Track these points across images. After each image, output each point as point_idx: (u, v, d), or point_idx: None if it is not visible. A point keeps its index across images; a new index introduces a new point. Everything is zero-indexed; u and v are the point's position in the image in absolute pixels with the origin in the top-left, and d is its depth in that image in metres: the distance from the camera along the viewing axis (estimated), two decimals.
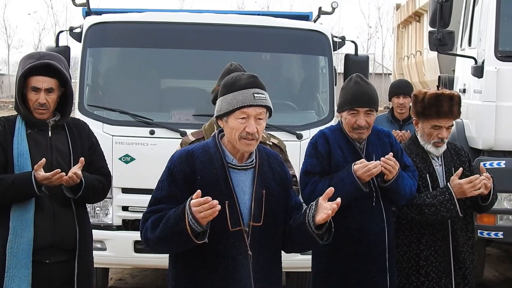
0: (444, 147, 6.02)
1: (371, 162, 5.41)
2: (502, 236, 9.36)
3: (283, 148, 6.08)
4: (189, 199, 4.15)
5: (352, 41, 10.08)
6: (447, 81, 11.15)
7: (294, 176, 5.67)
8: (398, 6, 18.43)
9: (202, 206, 4.05)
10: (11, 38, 70.04)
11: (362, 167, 5.36)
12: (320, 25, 10.03)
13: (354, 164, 5.42)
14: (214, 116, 4.61)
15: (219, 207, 4.08)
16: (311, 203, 4.49)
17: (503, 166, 8.09)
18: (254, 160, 4.57)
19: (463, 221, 6.01)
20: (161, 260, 5.02)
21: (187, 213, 4.10)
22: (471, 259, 6.20)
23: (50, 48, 9.17)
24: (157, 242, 4.43)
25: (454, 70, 11.05)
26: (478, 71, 9.79)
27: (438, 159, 6.04)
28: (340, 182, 5.33)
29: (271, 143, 5.86)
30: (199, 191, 4.10)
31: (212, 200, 4.07)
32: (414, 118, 6.21)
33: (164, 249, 4.62)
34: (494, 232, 9.33)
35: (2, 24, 79.49)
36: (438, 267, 5.87)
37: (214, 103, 4.92)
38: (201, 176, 4.43)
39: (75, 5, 10.22)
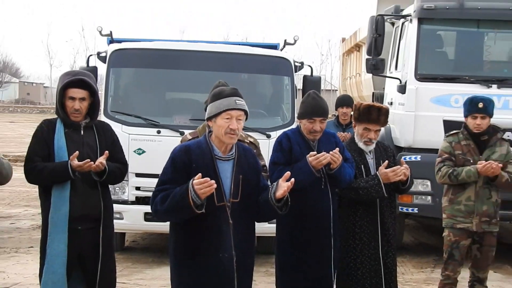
0: (373, 146, 6.11)
1: (322, 153, 5.50)
2: (417, 211, 9.63)
3: (257, 145, 6.14)
4: (191, 180, 4.29)
5: (309, 65, 10.19)
6: (379, 96, 11.27)
7: (265, 165, 5.74)
8: (343, 39, 18.47)
9: (202, 184, 4.20)
10: (53, 60, 69.68)
11: (315, 159, 5.46)
12: (285, 53, 10.09)
13: (309, 156, 5.51)
14: (205, 118, 4.72)
15: (215, 185, 4.25)
16: (273, 183, 4.69)
17: (419, 159, 8.19)
18: (234, 153, 4.67)
19: (388, 200, 6.08)
20: (164, 227, 5.04)
21: (190, 190, 4.26)
22: (394, 228, 6.27)
23: (82, 67, 9.20)
24: (165, 213, 4.55)
25: (384, 88, 11.14)
26: (402, 89, 9.97)
27: (370, 154, 6.11)
28: (299, 170, 5.42)
29: (248, 141, 5.91)
30: (200, 174, 4.27)
31: (205, 179, 4.25)
32: (354, 123, 6.30)
33: (170, 218, 4.71)
34: (411, 208, 9.56)
35: (46, 49, 79.36)
36: (369, 233, 5.95)
37: (206, 110, 5.00)
38: (195, 165, 4.53)
39: (102, 35, 10.26)
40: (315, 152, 5.57)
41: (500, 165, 6.51)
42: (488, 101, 6.72)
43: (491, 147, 6.73)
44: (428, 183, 8.07)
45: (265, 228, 5.67)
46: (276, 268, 5.91)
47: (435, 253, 7.00)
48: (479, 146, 6.71)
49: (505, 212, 7.09)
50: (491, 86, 9.63)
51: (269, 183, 5.14)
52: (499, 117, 9.15)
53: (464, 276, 6.88)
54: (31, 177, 5.60)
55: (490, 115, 6.69)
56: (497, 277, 8.89)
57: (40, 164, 5.50)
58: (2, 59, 68.34)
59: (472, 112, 6.66)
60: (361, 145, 6.09)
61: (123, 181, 6.80)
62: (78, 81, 5.58)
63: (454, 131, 6.93)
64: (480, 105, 6.63)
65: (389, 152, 6.37)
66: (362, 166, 6.02)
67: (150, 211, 4.93)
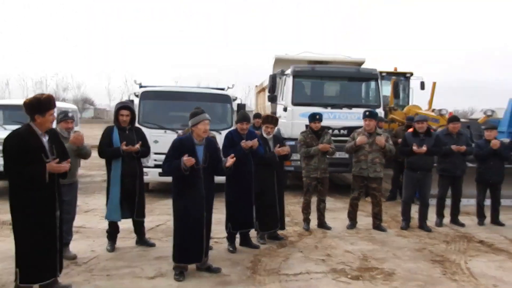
0: (271, 136, 6.07)
1: (248, 141, 5.48)
2: (293, 169, 9.62)
3: (216, 137, 5.99)
4: (182, 157, 4.35)
5: (240, 98, 10.15)
6: (274, 113, 11.22)
7: (219, 148, 5.63)
8: (256, 86, 18.36)
9: (187, 160, 4.32)
10: (111, 96, 67.76)
11: (245, 144, 5.45)
12: (228, 92, 9.97)
13: (242, 142, 5.48)
14: (190, 125, 4.66)
15: (194, 160, 4.35)
16: (224, 159, 4.78)
17: (293, 143, 8.18)
18: (204, 141, 4.65)
19: (279, 163, 6.05)
20: (169, 179, 4.94)
21: (182, 162, 4.32)
22: (284, 177, 6.37)
23: (126, 100, 9.01)
24: (169, 172, 4.55)
25: (276, 110, 11.10)
26: (285, 110, 9.99)
27: (270, 140, 6.05)
28: (237, 149, 5.36)
29: (211, 135, 5.75)
30: (186, 154, 4.35)
31: (189, 157, 4.35)
32: (262, 125, 6.26)
33: (172, 175, 4.64)
34: (290, 167, 9.54)
35: (107, 91, 77.80)
36: (270, 181, 5.90)
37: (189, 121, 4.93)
38: (184, 147, 4.51)
39: (136, 83, 10.04)
40: (244, 140, 5.53)
41: (329, 144, 6.69)
42: (320, 114, 6.87)
43: (323, 136, 6.81)
44: (298, 155, 8.10)
45: (220, 179, 5.58)
46: (226, 199, 5.79)
47: (301, 189, 7.12)
48: (317, 136, 6.79)
49: (331, 168, 7.17)
50: (327, 108, 9.75)
51: (222, 157, 5.07)
52: (331, 122, 9.44)
53: (314, 200, 6.95)
54: (101, 155, 5.48)
55: (321, 121, 6.81)
56: (331, 200, 9.00)
57: (106, 148, 5.41)
58: (84, 96, 66.61)
59: (314, 120, 6.77)
60: (265, 135, 6.05)
61: (148, 156, 6.68)
62: (125, 106, 5.54)
63: (304, 130, 7.06)
64: (317, 116, 6.78)
65: (280, 140, 6.30)
66: (267, 146, 5.96)
67: (161, 171, 4.94)
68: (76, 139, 5.03)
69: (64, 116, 5.20)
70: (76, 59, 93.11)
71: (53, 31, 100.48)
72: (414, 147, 6.77)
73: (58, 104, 8.45)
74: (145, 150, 5.61)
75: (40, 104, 3.82)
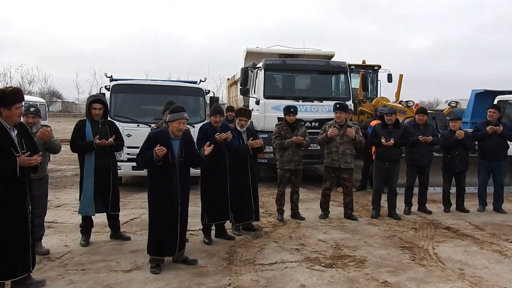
0: (244, 129, 6.04)
1: (221, 134, 5.45)
2: (266, 161, 9.63)
3: (189, 130, 5.95)
4: (154, 149, 4.30)
5: (212, 91, 10.08)
6: (247, 106, 11.21)
7: (193, 141, 5.60)
8: (228, 79, 18.29)
9: (159, 149, 4.28)
10: (79, 89, 65.95)
11: (219, 136, 5.42)
12: (201, 85, 9.93)
13: (216, 135, 5.45)
14: (166, 120, 4.69)
15: (165, 150, 4.30)
16: (201, 148, 4.78)
17: (266, 136, 8.26)
18: (180, 136, 4.60)
19: (253, 156, 6.05)
20: (142, 173, 4.95)
21: (154, 153, 4.27)
22: (257, 170, 6.37)
23: (97, 93, 8.85)
24: (142, 165, 4.50)
25: (249, 102, 11.11)
26: (257, 102, 9.99)
27: (244, 133, 6.00)
28: (213, 141, 5.26)
29: (185, 128, 5.73)
30: (158, 145, 4.32)
31: (160, 147, 4.32)
32: (234, 118, 6.26)
33: (145, 167, 4.59)
34: (263, 160, 9.56)
35: (75, 84, 75.72)
36: (244, 173, 5.84)
37: (163, 114, 4.88)
38: (160, 141, 4.45)
39: (106, 77, 9.88)
40: (218, 133, 5.50)
41: (303, 137, 6.72)
42: (295, 107, 6.91)
43: (297, 129, 6.84)
44: (271, 147, 8.13)
45: (195, 171, 5.56)
46: (201, 192, 5.74)
47: (275, 181, 7.16)
48: (291, 129, 6.81)
49: (305, 160, 7.23)
50: (299, 101, 9.80)
51: (196, 149, 5.04)
52: (302, 115, 9.40)
53: (288, 191, 7.00)
54: (74, 149, 5.39)
55: (296, 114, 6.83)
56: (304, 191, 9.01)
57: (79, 142, 5.31)
58: (52, 89, 64.68)
59: (288, 113, 6.79)
60: (238, 128, 6.02)
61: (121, 150, 6.59)
62: (97, 99, 5.45)
63: (279, 122, 7.05)
64: (292, 109, 6.80)
65: (253, 132, 6.30)
66: (240, 139, 5.93)
67: (135, 165, 4.92)
68: (43, 135, 4.79)
69: (26, 111, 4.90)
70: (42, 50, 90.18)
71: (17, 19, 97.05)
72: (382, 140, 6.93)
73: (25, 97, 8.20)
74: (119, 144, 5.51)
75: (5, 97, 3.69)
